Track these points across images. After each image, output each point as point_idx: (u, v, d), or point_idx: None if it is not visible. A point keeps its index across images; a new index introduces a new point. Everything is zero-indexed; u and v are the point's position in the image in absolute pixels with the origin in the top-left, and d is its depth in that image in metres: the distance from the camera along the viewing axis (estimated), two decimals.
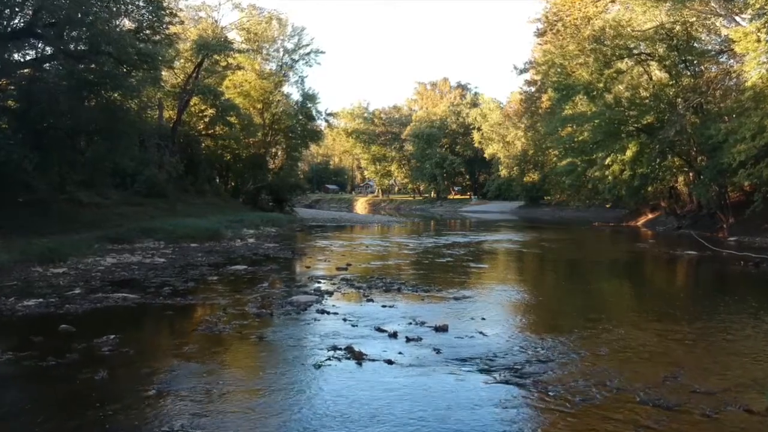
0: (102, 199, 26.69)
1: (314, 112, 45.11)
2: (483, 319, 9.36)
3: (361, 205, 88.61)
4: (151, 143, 24.17)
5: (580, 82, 30.25)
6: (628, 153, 32.01)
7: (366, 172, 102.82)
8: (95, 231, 22.02)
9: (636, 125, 30.55)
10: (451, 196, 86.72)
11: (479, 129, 73.88)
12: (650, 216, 44.13)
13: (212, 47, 30.93)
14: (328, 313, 9.62)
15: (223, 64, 34.87)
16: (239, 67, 36.47)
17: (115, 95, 22.70)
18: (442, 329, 8.47)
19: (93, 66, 21.67)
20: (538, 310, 11.04)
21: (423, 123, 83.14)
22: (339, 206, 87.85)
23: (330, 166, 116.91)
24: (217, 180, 45.01)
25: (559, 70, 31.54)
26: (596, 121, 29.22)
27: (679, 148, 31.38)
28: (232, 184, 43.41)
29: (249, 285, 12.58)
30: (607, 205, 50.35)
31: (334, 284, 12.73)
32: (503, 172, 70.40)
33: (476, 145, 75.53)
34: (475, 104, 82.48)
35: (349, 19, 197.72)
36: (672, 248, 23.08)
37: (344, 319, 9.15)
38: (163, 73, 36.95)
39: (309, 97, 44.41)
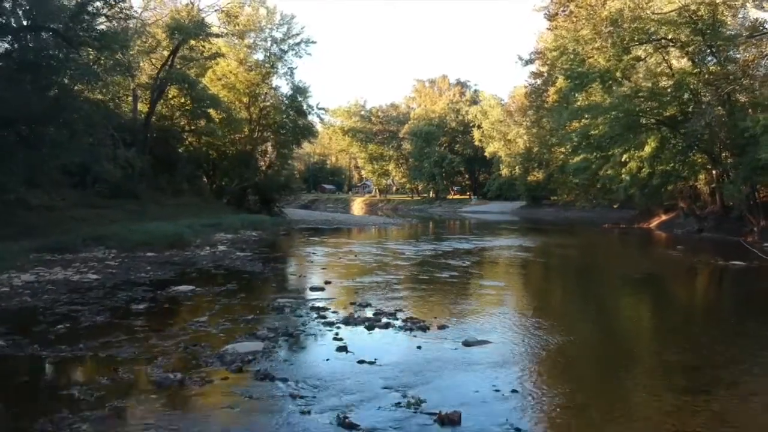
0: (56, 201, 23.23)
1: (305, 107, 41.56)
2: (514, 392, 5.85)
3: (357, 206, 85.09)
4: (105, 135, 20.55)
5: (595, 69, 26.71)
6: (647, 149, 28.50)
7: (363, 172, 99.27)
8: (38, 238, 18.53)
9: (657, 118, 27.01)
10: (450, 196, 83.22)
11: (479, 127, 70.33)
12: (664, 217, 40.60)
13: (187, 31, 27.38)
14: (273, 378, 6.11)
15: (203, 51, 31.29)
16: (218, 54, 32.86)
17: (63, 80, 19.24)
18: (450, 421, 4.98)
19: (34, 45, 18.20)
20: (591, 370, 7.53)
21: (421, 121, 79.59)
22: (335, 207, 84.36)
23: (327, 166, 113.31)
24: (205, 179, 41.61)
25: (572, 56, 28.00)
26: (613, 112, 25.65)
27: (703, 143, 27.86)
28: (216, 183, 39.86)
29: (182, 319, 9.08)
30: (615, 206, 46.88)
31: (299, 316, 9.24)
32: (504, 171, 66.87)
33: (476, 143, 71.95)
34: (474, 101, 79.00)
35: (346, 16, 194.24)
36: (710, 256, 19.60)
37: (293, 395, 5.64)
38: (141, 63, 33.85)
39: (299, 91, 40.86)
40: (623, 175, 31.89)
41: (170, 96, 33.33)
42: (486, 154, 70.18)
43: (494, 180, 71.51)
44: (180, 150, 38.32)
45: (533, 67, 43.33)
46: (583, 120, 28.18)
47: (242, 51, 36.68)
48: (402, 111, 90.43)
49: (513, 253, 20.86)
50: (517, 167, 64.34)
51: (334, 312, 9.55)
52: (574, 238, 31.11)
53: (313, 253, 19.45)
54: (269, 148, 44.07)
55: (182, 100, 34.20)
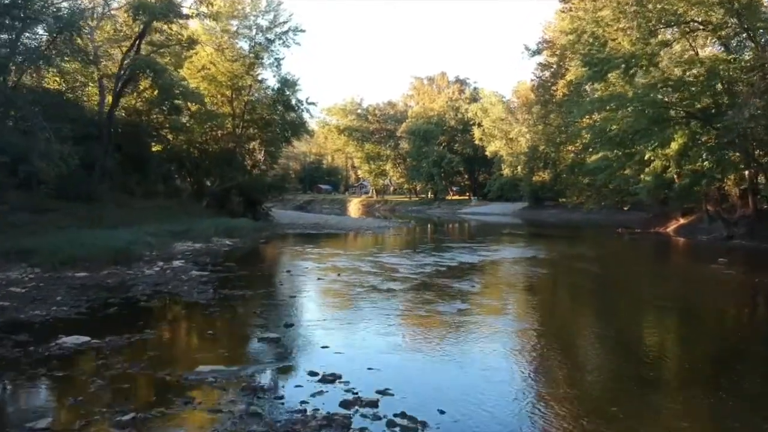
0: None
1: (294, 101, 37.77)
2: None
3: (354, 207, 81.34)
4: (35, 124, 16.74)
5: (618, 54, 22.91)
6: (674, 145, 24.78)
7: (360, 172, 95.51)
8: None
9: (687, 110, 23.26)
10: (449, 197, 79.47)
11: (480, 125, 66.58)
12: (682, 221, 36.86)
13: (153, 10, 23.55)
14: None
15: (176, 37, 27.48)
16: (194, 41, 29.04)
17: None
18: None
19: None
20: None
21: (419, 119, 75.83)
22: (331, 208, 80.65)
23: (323, 166, 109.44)
24: (188, 179, 37.86)
25: (590, 39, 24.21)
26: (638, 104, 21.89)
27: (740, 139, 24.13)
28: (197, 184, 36.06)
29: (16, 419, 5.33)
30: (625, 207, 43.16)
31: (216, 411, 5.47)
32: (506, 171, 63.15)
33: (477, 142, 68.22)
34: (474, 99, 75.25)
35: (342, 13, 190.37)
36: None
37: None
38: (110, 51, 30.08)
39: (287, 84, 37.06)
40: (644, 176, 28.21)
41: (142, 88, 29.51)
42: (487, 153, 66.48)
43: (495, 180, 67.70)
44: (158, 147, 34.70)
45: (540, 59, 39.48)
46: (603, 113, 24.37)
47: (222, 39, 32.82)
48: (399, 109, 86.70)
49: (527, 271, 17.09)
50: (519, 167, 60.67)
51: (279, 398, 5.79)
52: (590, 246, 27.37)
53: (288, 271, 15.68)
54: (257, 147, 40.30)
55: (154, 92, 30.45)
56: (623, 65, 22.56)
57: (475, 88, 79.98)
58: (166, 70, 25.96)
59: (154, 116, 32.50)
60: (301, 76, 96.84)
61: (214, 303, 10.87)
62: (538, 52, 38.52)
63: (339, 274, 14.79)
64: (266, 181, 36.63)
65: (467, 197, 79.68)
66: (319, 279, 14.17)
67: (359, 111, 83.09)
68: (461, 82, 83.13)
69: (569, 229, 40.53)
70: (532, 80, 39.97)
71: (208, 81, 34.24)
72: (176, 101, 26.74)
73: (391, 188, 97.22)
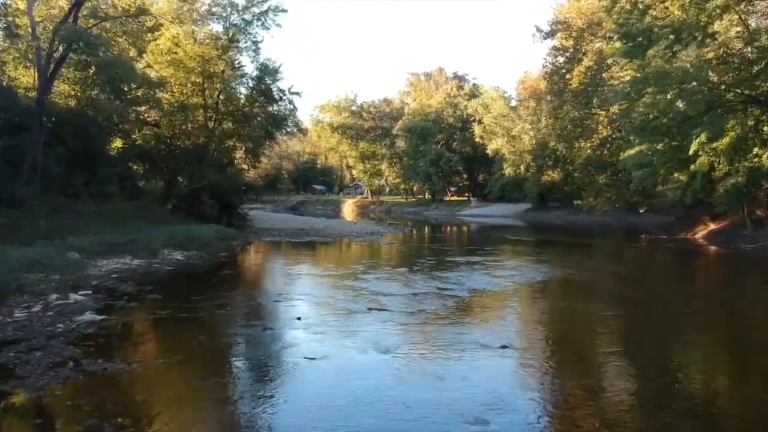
0: None
1: (275, 91, 32.88)
2: None
3: (348, 208, 76.48)
4: None
5: (665, 23, 18.02)
6: (726, 138, 19.94)
7: (354, 172, 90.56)
8: None
9: (750, 93, 18.41)
10: (447, 198, 74.51)
11: (480, 122, 61.76)
12: (712, 226, 32.06)
13: None
14: None
15: (123, 6, 22.54)
16: (142, 9, 24.10)
17: None
18: None
19: None
20: None
21: (416, 116, 70.92)
22: (324, 209, 75.77)
23: (317, 166, 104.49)
24: (156, 180, 33.05)
25: (627, 6, 19.34)
26: (695, 83, 17.05)
27: None
28: (164, 185, 31.15)
29: None
30: (641, 210, 38.32)
31: None
32: (508, 171, 58.31)
33: (477, 140, 63.37)
34: (474, 95, 70.31)
35: (337, 9, 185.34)
36: None
37: None
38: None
39: (267, 71, 32.18)
40: (679, 175, 23.40)
41: (92, 72, 24.57)
42: (488, 151, 61.63)
43: (496, 180, 62.73)
44: (119, 143, 29.90)
45: (549, 46, 34.38)
46: (646, 96, 19.48)
47: (188, 18, 27.83)
48: (396, 106, 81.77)
49: (558, 308, 12.25)
50: (522, 166, 55.90)
51: None
52: (623, 260, 22.52)
53: (228, 311, 10.73)
54: (236, 143, 35.35)
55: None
56: (671, 36, 17.69)
57: (474, 84, 75.16)
58: (104, 44, 20.97)
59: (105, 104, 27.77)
60: (296, 74, 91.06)
61: (48, 400, 5.94)
62: (551, 34, 33.55)
63: (301, 319, 9.87)
64: (242, 181, 31.65)
65: (466, 198, 74.86)
66: (265, 330, 9.24)
67: (353, 108, 78.17)
68: (460, 78, 78.27)
69: (582, 234, 35.70)
70: (544, 66, 35.33)
71: (174, 67, 29.28)
72: (117, 83, 21.65)
73: (387, 189, 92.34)
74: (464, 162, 70.85)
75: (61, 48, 19.85)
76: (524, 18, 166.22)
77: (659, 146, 20.64)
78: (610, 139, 32.37)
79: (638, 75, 20.30)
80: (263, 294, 12.83)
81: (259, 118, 34.29)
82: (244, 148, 34.91)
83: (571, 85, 31.55)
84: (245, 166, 37.09)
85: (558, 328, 10.13)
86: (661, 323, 10.33)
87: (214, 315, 10.17)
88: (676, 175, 24.37)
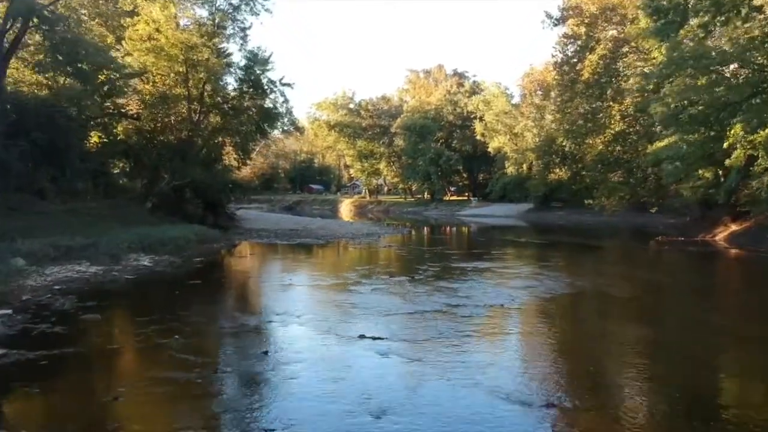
0: None
1: (265, 82, 30.39)
2: None
3: (345, 208, 73.92)
4: None
5: None
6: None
7: (352, 171, 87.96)
8: None
9: None
10: (447, 197, 71.94)
11: (481, 119, 59.24)
12: (734, 227, 29.61)
13: None
14: None
15: None
16: None
17: None
18: None
19: None
20: None
21: (415, 113, 68.28)
22: (321, 209, 73.22)
23: (314, 165, 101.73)
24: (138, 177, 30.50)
25: None
26: (734, 67, 14.59)
27: None
28: (144, 182, 28.63)
29: None
30: (652, 210, 35.83)
31: None
32: (510, 170, 55.83)
33: (478, 137, 60.82)
34: (474, 92, 67.77)
35: (336, 7, 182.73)
36: None
37: None
38: None
39: (256, 60, 29.69)
40: (704, 171, 20.95)
41: (49, 53, 22.02)
42: (489, 149, 59.13)
43: (498, 179, 60.16)
44: (96, 138, 27.44)
45: (560, 33, 31.74)
46: (678, 80, 16.99)
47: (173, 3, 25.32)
48: (394, 104, 79.16)
49: (600, 332, 9.80)
50: (524, 164, 53.50)
51: None
52: (647, 265, 20.06)
53: (177, 341, 8.23)
54: (227, 139, 32.84)
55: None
56: (711, 9, 15.22)
57: (474, 81, 72.54)
58: (64, 21, 18.42)
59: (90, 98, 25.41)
60: (291, 70, 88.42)
61: None
62: (561, 20, 30.97)
63: (266, 353, 7.37)
64: (229, 179, 29.13)
65: (466, 198, 72.35)
66: (217, 371, 6.74)
67: (351, 106, 75.55)
68: (460, 75, 75.68)
69: (591, 235, 33.22)
70: (553, 55, 32.76)
71: (155, 54, 26.75)
72: (83, 67, 19.08)
73: (385, 188, 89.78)
74: (464, 161, 68.25)
75: (16, 26, 17.30)
76: (524, 18, 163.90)
77: (693, 137, 18.16)
78: (624, 134, 29.94)
79: (666, 58, 17.78)
80: (229, 314, 10.35)
81: (250, 113, 31.83)
82: (232, 143, 32.45)
83: (582, 76, 29.13)
84: (235, 163, 34.63)
85: (612, 367, 7.65)
86: (734, 354, 7.86)
87: (153, 348, 7.66)
88: (700, 171, 21.91)
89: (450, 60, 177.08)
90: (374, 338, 8.09)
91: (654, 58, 22.20)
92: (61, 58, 18.31)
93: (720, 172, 21.41)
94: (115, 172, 30.42)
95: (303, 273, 16.18)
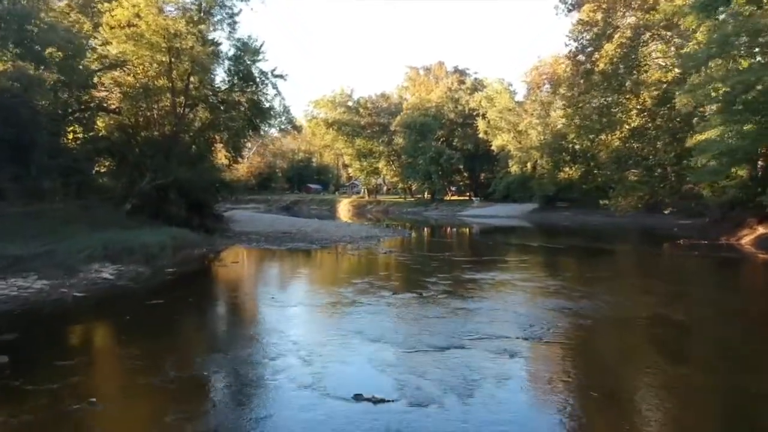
0: None
1: (256, 73, 27.92)
2: None
3: (344, 208, 71.48)
4: None
5: None
6: None
7: (350, 170, 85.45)
8: None
9: None
10: (447, 197, 69.45)
11: (484, 116, 56.79)
12: (761, 230, 27.25)
13: None
14: None
15: None
16: None
17: None
18: None
19: None
20: None
21: (415, 111, 65.77)
22: (319, 209, 70.80)
23: (312, 164, 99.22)
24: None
25: None
26: None
27: None
28: (123, 181, 26.09)
29: None
30: (666, 210, 33.37)
31: None
32: (514, 168, 53.40)
33: (481, 135, 58.36)
34: (475, 90, 65.27)
35: (334, 5, 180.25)
36: None
37: None
38: None
39: (246, 49, 27.23)
40: (737, 170, 18.54)
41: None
42: (493, 148, 56.70)
43: (501, 179, 57.63)
44: (74, 132, 25.10)
45: (573, 21, 29.06)
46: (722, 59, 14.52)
47: None
48: (393, 102, 76.64)
49: (700, 386, 7.36)
50: (529, 163, 51.09)
51: None
52: (687, 276, 17.62)
53: (93, 401, 5.81)
54: (218, 137, 30.34)
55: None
56: None
57: (476, 79, 70.00)
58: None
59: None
60: (290, 69, 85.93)
61: None
62: (576, 6, 28.38)
63: None
64: (217, 178, 26.62)
65: (467, 198, 69.91)
66: None
67: (349, 103, 73.09)
68: (461, 72, 73.16)
69: (604, 238, 30.79)
70: (566, 44, 30.12)
71: (135, 42, 24.23)
72: (35, 47, 16.60)
73: (385, 188, 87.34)
74: (465, 160, 65.75)
75: None
76: (524, 17, 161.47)
77: (747, 127, 15.70)
78: (642, 129, 27.50)
79: (711, 36, 15.28)
80: (182, 357, 7.88)
81: (241, 107, 29.34)
82: (223, 139, 29.96)
83: (598, 66, 26.62)
84: (226, 161, 32.14)
85: None
86: None
87: (53, 421, 5.20)
88: (733, 170, 19.51)
89: (450, 58, 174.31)
90: (375, 401, 5.64)
91: (680, 43, 19.71)
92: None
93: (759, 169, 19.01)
94: (102, 170, 28.01)
95: (290, 288, 13.69)
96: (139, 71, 25.59)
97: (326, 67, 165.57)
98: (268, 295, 12.21)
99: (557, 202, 49.98)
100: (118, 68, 24.87)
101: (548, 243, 27.61)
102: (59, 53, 20.87)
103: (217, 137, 29.99)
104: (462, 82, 70.26)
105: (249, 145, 71.85)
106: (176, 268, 15.38)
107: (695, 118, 20.18)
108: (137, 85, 25.22)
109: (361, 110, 73.08)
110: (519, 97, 56.72)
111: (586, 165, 36.06)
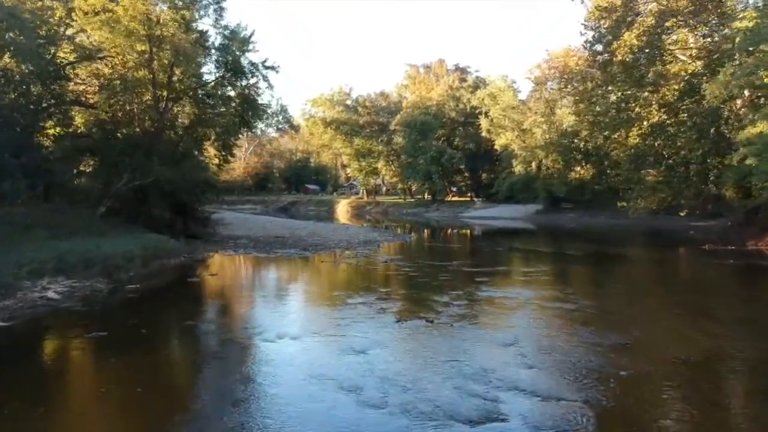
0: None
1: (246, 65, 25.56)
2: None
3: (342, 209, 69.18)
4: None
5: None
6: None
7: (349, 170, 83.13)
8: None
9: None
10: (448, 198, 67.10)
11: (487, 115, 54.48)
12: None
13: None
14: None
15: None
16: None
17: None
18: None
19: None
20: None
21: (415, 110, 63.46)
22: (317, 210, 68.60)
23: (311, 164, 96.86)
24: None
25: None
26: None
27: None
28: (99, 183, 23.71)
29: None
30: (682, 213, 31.02)
31: None
32: (518, 168, 51.10)
33: (483, 134, 56.04)
34: (477, 87, 62.94)
35: (334, 4, 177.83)
36: None
37: None
38: None
39: (235, 39, 24.88)
40: (756, 162, 16.29)
41: None
42: (496, 146, 54.40)
43: (504, 179, 55.26)
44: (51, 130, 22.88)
45: (590, 7, 26.53)
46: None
47: None
48: (393, 100, 74.35)
49: None
50: (534, 163, 48.81)
51: None
52: (742, 294, 15.30)
53: None
54: (202, 131, 27.91)
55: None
56: None
57: (477, 77, 67.67)
58: None
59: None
60: (288, 68, 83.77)
61: None
62: None
63: None
64: (200, 178, 24.22)
65: (469, 198, 67.58)
66: None
67: (348, 102, 70.82)
68: (462, 70, 70.79)
69: (620, 242, 28.49)
70: (582, 33, 27.48)
71: (110, 29, 21.84)
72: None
73: (384, 188, 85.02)
74: (467, 160, 63.42)
75: None
76: (524, 18, 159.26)
77: None
78: (664, 125, 25.15)
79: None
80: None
81: (231, 102, 27.01)
82: (211, 137, 27.56)
83: (616, 56, 24.23)
84: (216, 160, 29.77)
85: None
86: None
87: None
88: (750, 161, 17.24)
89: (450, 57, 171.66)
90: None
91: (707, 32, 17.39)
92: None
93: None
94: (85, 171, 25.64)
95: (270, 313, 11.29)
96: (116, 62, 23.24)
97: (326, 66, 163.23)
98: (241, 324, 9.86)
99: (562, 203, 47.74)
100: (94, 59, 22.51)
101: (562, 249, 25.27)
102: (21, 38, 18.50)
103: (204, 134, 27.62)
104: (463, 80, 67.92)
105: (243, 143, 69.81)
106: (142, 283, 12.98)
107: (725, 112, 17.93)
108: (114, 76, 22.88)
109: (360, 109, 70.79)
110: (522, 96, 54.51)
111: (598, 164, 33.65)
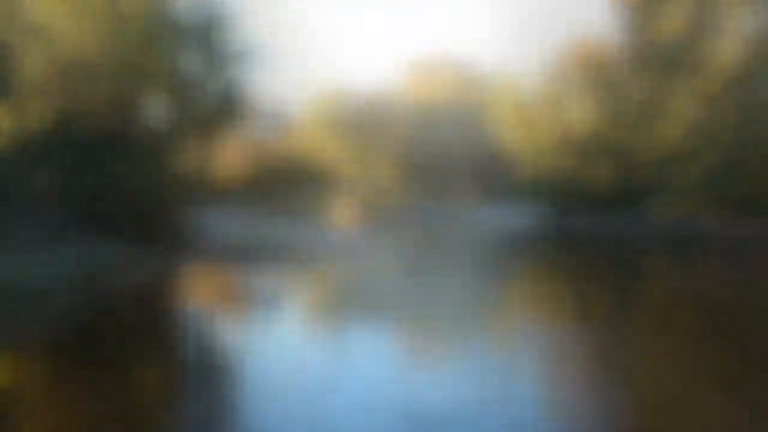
0: None
1: (227, 51, 22.31)
2: None
3: (339, 211, 66.10)
4: None
5: None
6: None
7: (346, 171, 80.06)
8: None
9: None
10: (450, 199, 63.87)
11: (493, 113, 51.34)
12: None
13: None
14: None
15: None
16: None
17: None
18: None
19: None
20: None
21: (416, 108, 60.39)
22: (314, 212, 65.48)
23: (306, 165, 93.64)
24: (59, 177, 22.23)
25: None
26: None
27: None
28: (56, 186, 20.36)
29: None
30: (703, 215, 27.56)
31: None
32: (526, 168, 48.00)
33: (489, 133, 52.83)
34: (483, 85, 59.82)
35: (333, 3, 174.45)
36: None
37: None
38: None
39: (213, 22, 21.62)
40: None
41: None
42: (501, 146, 51.27)
43: (512, 180, 52.11)
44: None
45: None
46: None
47: None
48: (393, 98, 71.20)
49: None
50: (544, 163, 45.63)
51: None
52: None
53: None
54: (189, 132, 24.62)
55: None
56: None
57: (482, 74, 64.46)
58: None
59: None
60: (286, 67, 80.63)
61: None
62: None
63: None
64: (170, 179, 20.88)
65: (471, 199, 64.36)
66: None
67: (346, 101, 67.71)
68: (465, 67, 67.59)
69: (645, 250, 25.02)
70: (617, 16, 23.90)
71: (67, 5, 18.56)
72: None
73: (384, 189, 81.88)
74: (471, 159, 60.23)
75: None
76: (524, 16, 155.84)
77: None
78: (703, 120, 21.83)
79: None
80: None
81: (210, 92, 23.80)
82: (187, 132, 24.28)
83: (653, 42, 20.76)
84: (196, 159, 26.49)
85: None
86: None
87: None
88: None
89: (450, 56, 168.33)
90: None
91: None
92: None
93: None
94: (37, 169, 22.27)
95: (224, 368, 7.93)
96: (73, 43, 19.92)
97: (325, 65, 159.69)
98: (174, 403, 6.45)
99: (575, 204, 44.47)
100: (42, 37, 19.21)
101: (609, 262, 21.58)
102: None
103: (179, 129, 24.31)
104: (468, 76, 64.75)
105: (234, 142, 66.83)
106: (51, 323, 9.55)
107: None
108: (68, 61, 19.58)
109: (358, 108, 67.67)
110: (532, 89, 51.20)
111: (624, 163, 30.30)
